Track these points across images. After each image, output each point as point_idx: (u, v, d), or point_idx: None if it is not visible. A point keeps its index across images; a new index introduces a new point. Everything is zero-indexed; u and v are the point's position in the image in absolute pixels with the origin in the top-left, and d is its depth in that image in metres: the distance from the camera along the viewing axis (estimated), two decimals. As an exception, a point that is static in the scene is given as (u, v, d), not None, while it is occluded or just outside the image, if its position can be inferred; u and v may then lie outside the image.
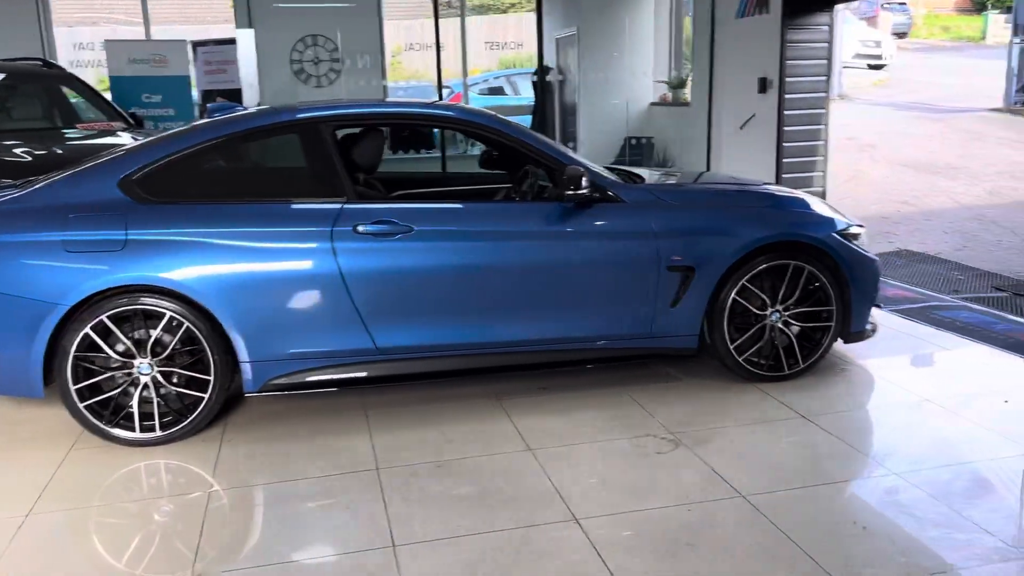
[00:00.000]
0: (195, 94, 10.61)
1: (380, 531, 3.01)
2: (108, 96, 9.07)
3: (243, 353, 3.78)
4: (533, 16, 10.44)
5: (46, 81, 7.81)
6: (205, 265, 3.68)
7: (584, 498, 3.20)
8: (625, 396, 4.21)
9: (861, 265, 4.34)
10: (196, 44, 10.61)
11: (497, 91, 15.22)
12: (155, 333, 3.70)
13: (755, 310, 4.25)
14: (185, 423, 3.78)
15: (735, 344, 4.25)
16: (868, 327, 4.48)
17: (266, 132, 4.00)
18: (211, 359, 3.74)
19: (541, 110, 11.37)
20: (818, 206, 4.49)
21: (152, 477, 3.56)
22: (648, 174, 4.88)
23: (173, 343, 3.72)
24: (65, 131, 7.13)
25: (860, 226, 4.50)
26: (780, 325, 4.29)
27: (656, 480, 3.35)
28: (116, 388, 3.72)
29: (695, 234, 4.12)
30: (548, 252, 3.98)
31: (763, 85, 7.49)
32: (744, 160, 7.84)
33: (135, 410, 3.72)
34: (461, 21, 11.66)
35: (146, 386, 3.73)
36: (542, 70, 11.14)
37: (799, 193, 4.69)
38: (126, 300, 3.65)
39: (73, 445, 3.77)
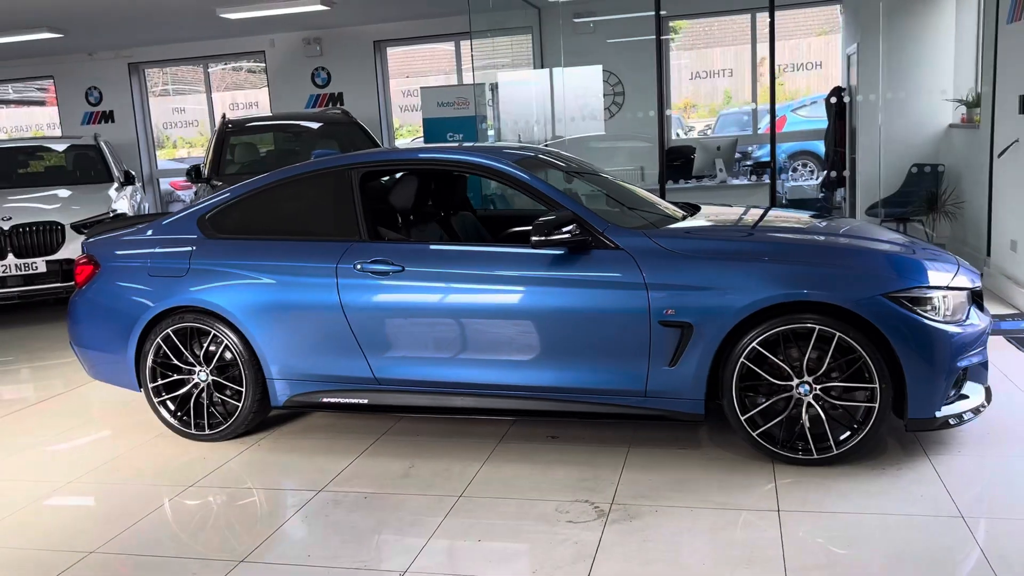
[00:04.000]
0: (491, 132, 11.61)
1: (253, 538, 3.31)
2: (421, 135, 10.56)
3: (268, 370, 4.32)
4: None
5: (344, 126, 9.36)
6: (238, 291, 4.29)
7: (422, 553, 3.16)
8: (618, 456, 3.93)
9: (923, 337, 3.51)
10: (494, 86, 11.60)
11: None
12: (208, 348, 4.40)
13: (772, 379, 3.68)
14: (225, 426, 4.42)
15: (747, 415, 3.72)
16: (942, 414, 3.59)
17: (304, 179, 4.51)
18: (243, 374, 4.34)
19: (833, 134, 10.39)
20: (887, 258, 3.73)
21: (185, 459, 4.24)
22: (716, 215, 4.43)
23: (215, 357, 4.38)
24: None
25: (951, 288, 3.63)
26: (811, 399, 3.65)
27: (521, 550, 3.16)
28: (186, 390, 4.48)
29: (691, 288, 3.71)
30: (535, 298, 3.89)
31: None
32: (1016, 197, 6.43)
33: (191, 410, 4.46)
34: (752, 47, 11.14)
35: (202, 392, 4.45)
36: (836, 91, 10.21)
37: (890, 244, 3.93)
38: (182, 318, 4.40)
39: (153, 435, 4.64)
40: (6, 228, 7.93)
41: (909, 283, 3.58)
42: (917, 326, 3.51)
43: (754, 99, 11.72)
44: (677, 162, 10.48)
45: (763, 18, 11.69)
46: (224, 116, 9.38)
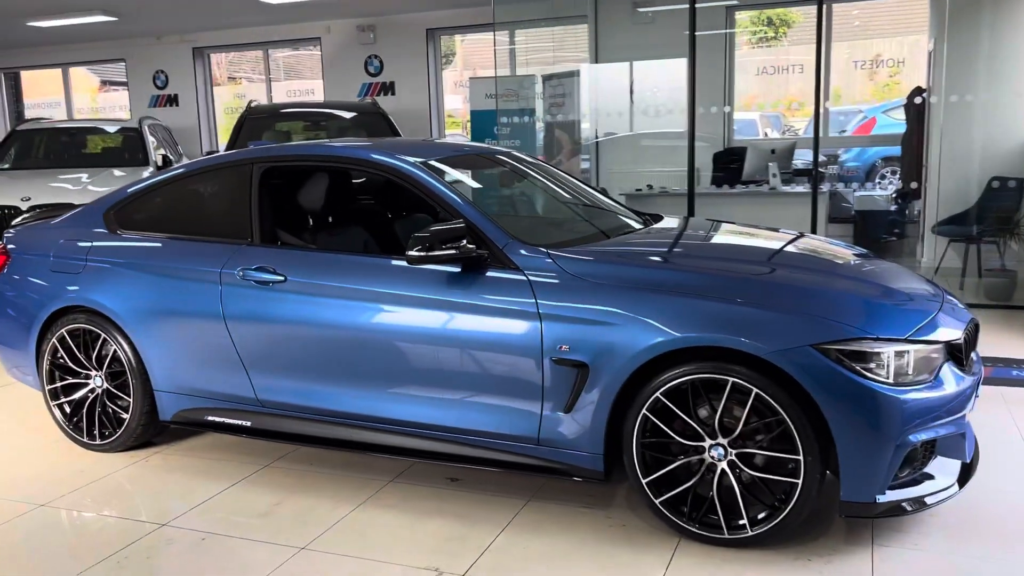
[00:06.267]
0: (539, 126, 11.04)
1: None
2: (468, 128, 10.18)
3: (155, 381, 3.94)
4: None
5: (369, 116, 9.05)
6: (127, 293, 3.93)
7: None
8: (510, 510, 3.35)
9: (861, 401, 2.79)
10: (546, 78, 11.02)
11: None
12: (100, 353, 4.06)
13: (679, 439, 3.03)
14: (114, 438, 4.08)
15: (648, 479, 3.08)
16: (889, 498, 2.86)
17: (206, 173, 4.09)
18: (130, 383, 3.98)
19: (910, 139, 9.30)
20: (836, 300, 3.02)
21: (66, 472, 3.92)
22: (665, 231, 3.79)
23: (107, 361, 4.04)
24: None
25: (912, 341, 2.89)
26: (725, 466, 2.99)
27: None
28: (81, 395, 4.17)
29: (588, 322, 3.08)
30: (421, 321, 3.36)
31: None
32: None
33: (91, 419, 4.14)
34: (818, 42, 10.17)
35: (98, 399, 4.12)
36: (917, 91, 9.14)
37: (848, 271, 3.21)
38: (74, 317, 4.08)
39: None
40: (24, 208, 7.96)
41: (848, 332, 2.85)
42: (853, 387, 2.79)
43: (825, 98, 10.67)
44: (733, 165, 9.65)
45: (843, 8, 10.71)
46: (250, 103, 9.19)
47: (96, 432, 4.12)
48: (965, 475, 3.11)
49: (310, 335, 3.57)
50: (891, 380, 2.83)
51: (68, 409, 4.19)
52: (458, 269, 3.33)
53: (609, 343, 3.04)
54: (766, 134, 14.65)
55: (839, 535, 3.08)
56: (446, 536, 3.19)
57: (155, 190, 4.16)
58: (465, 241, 3.27)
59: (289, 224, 3.95)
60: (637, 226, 4.03)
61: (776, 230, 4.17)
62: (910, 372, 2.89)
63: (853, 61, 12.59)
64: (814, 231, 7.26)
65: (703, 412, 3.01)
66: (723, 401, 2.94)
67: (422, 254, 3.24)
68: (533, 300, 3.17)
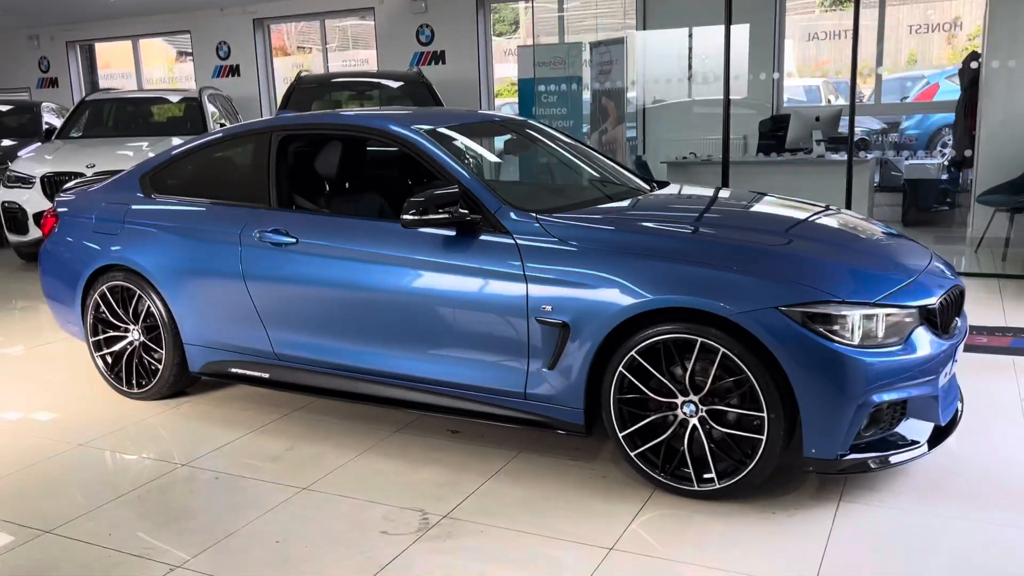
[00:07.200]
0: (586, 94, 11.06)
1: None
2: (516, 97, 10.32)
3: (185, 335, 4.25)
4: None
5: (414, 86, 9.26)
6: (159, 252, 4.23)
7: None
8: (500, 460, 3.56)
9: (822, 362, 2.89)
10: (593, 45, 11.02)
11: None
12: (136, 308, 4.39)
13: (654, 395, 3.17)
14: (149, 387, 4.42)
15: (624, 432, 3.24)
16: (855, 456, 2.97)
17: (231, 141, 4.35)
18: (162, 336, 4.30)
19: (963, 106, 9.05)
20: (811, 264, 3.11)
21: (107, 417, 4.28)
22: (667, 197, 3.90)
23: (143, 316, 4.37)
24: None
25: (881, 305, 2.97)
26: (696, 422, 3.13)
27: (305, 557, 2.89)
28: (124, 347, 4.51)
29: (569, 283, 3.24)
30: (419, 282, 3.56)
31: None
32: None
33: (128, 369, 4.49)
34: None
35: (135, 351, 4.46)
36: (973, 55, 8.89)
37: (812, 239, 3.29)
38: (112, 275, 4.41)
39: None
40: (89, 174, 8.43)
41: (814, 296, 2.95)
42: (815, 348, 2.89)
43: (879, 63, 10.44)
44: (780, 133, 9.56)
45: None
46: (299, 72, 9.48)
47: (134, 381, 4.46)
48: (939, 437, 3.19)
49: (318, 294, 3.81)
50: (856, 342, 2.92)
51: (109, 360, 4.54)
52: (453, 233, 3.51)
53: (588, 304, 3.20)
54: (829, 101, 14.34)
55: (810, 491, 3.19)
56: (438, 482, 3.41)
57: (186, 157, 4.44)
58: (458, 206, 3.45)
59: (304, 189, 4.19)
60: (636, 193, 4.14)
61: (785, 198, 4.23)
62: (879, 335, 2.97)
63: (924, 24, 12.18)
64: (849, 201, 7.20)
65: (678, 371, 3.14)
66: (693, 360, 3.07)
67: (415, 218, 3.43)
68: (520, 263, 3.34)
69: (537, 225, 3.41)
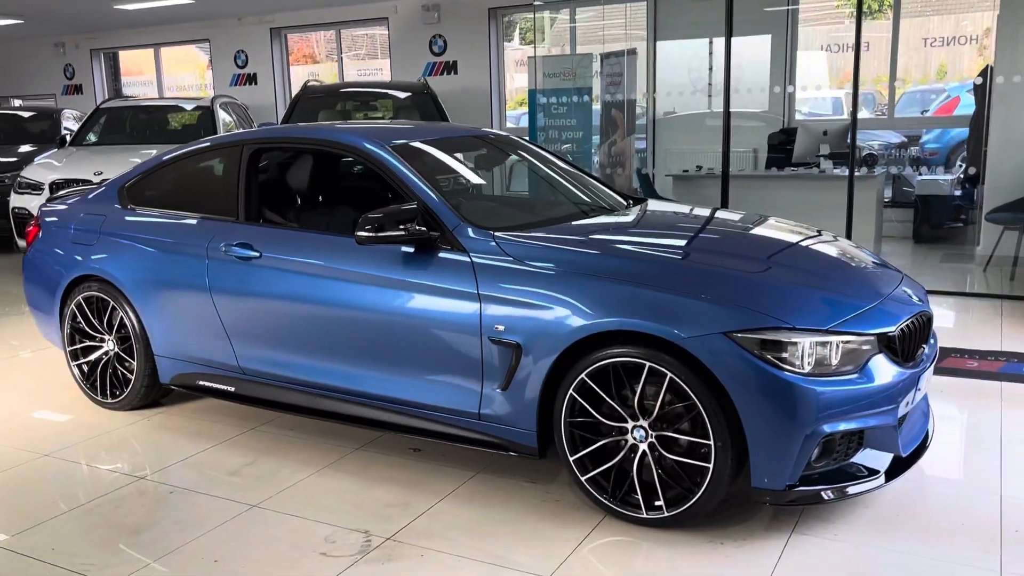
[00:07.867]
0: (596, 106, 11.00)
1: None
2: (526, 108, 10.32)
3: (155, 346, 4.26)
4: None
5: (419, 97, 9.27)
6: (132, 264, 4.24)
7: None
8: (455, 481, 3.51)
9: (769, 390, 2.81)
10: (604, 56, 10.96)
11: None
12: (116, 317, 4.40)
13: (604, 420, 3.11)
14: (121, 398, 4.43)
15: (575, 456, 3.18)
16: (804, 488, 2.88)
17: (205, 153, 4.35)
18: (134, 347, 4.31)
19: (977, 121, 8.86)
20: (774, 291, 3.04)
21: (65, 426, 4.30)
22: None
23: (116, 326, 4.38)
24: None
25: (836, 333, 2.89)
26: (646, 448, 3.06)
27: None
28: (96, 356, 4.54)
29: (525, 304, 3.18)
30: (376, 299, 3.52)
31: None
32: None
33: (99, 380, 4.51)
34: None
35: (109, 361, 4.48)
36: (985, 71, 8.71)
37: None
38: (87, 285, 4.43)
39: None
40: (96, 181, 8.53)
41: (763, 322, 2.87)
42: (762, 375, 2.81)
43: (892, 76, 10.27)
44: (789, 146, 9.43)
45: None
46: (306, 82, 9.52)
47: (108, 391, 4.48)
48: (899, 468, 3.09)
49: (280, 308, 3.80)
50: (806, 370, 2.84)
51: (85, 369, 4.56)
52: (412, 249, 3.48)
53: (540, 324, 3.14)
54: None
55: (763, 521, 3.11)
56: (389, 502, 3.37)
57: (162, 168, 4.46)
58: (415, 222, 3.42)
59: (275, 203, 4.19)
60: (610, 211, 4.09)
61: (762, 216, 4.15)
62: (833, 363, 2.89)
63: (955, 36, 11.96)
64: (851, 218, 7.06)
65: (628, 395, 3.08)
66: (641, 385, 3.01)
67: (370, 235, 3.40)
68: (474, 281, 3.30)
69: (493, 244, 3.37)
